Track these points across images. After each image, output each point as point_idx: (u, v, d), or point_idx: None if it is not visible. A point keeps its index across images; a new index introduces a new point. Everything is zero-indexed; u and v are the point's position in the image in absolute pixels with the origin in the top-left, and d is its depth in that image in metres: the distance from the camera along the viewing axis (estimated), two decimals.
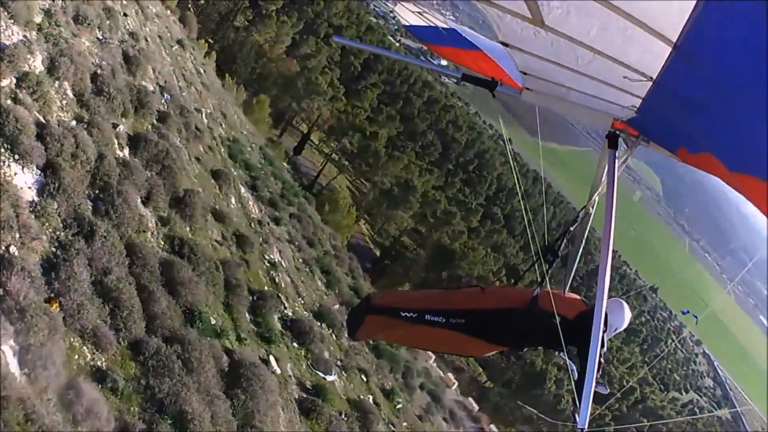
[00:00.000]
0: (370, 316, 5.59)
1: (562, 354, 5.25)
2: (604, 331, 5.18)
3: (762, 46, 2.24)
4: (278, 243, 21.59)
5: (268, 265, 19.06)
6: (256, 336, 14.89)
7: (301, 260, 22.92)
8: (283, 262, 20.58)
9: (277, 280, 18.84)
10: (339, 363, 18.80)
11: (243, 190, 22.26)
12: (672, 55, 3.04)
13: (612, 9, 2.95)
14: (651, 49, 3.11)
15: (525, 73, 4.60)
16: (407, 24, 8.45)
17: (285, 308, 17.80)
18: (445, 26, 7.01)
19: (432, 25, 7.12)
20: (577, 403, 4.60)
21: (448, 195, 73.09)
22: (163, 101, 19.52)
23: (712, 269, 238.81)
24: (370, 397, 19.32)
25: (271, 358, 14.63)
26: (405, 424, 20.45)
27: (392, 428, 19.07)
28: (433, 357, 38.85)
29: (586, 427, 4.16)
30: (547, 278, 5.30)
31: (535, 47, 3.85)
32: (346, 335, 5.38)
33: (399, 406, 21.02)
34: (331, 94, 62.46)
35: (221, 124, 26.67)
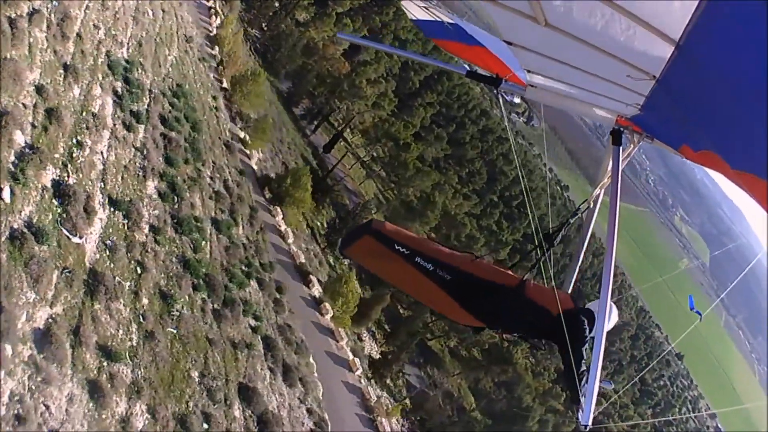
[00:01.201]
0: (367, 237, 5.53)
1: (570, 356, 5.14)
2: (588, 330, 5.13)
3: (763, 45, 2.23)
4: (112, 140, 22.46)
5: (74, 143, 19.85)
6: (5, 171, 15.62)
7: (139, 166, 23.61)
8: (102, 153, 21.42)
9: (75, 155, 19.50)
10: (109, 242, 19.29)
11: (100, 91, 23.16)
12: (675, 54, 3.05)
13: (614, 8, 2.98)
14: (654, 48, 3.11)
15: (529, 71, 4.57)
16: (413, 18, 8.38)
17: (67, 176, 18.43)
18: (450, 21, 6.94)
19: (437, 19, 7.06)
20: (581, 400, 4.59)
21: (482, 224, 72.31)
22: (47, 4, 21.02)
23: (742, 346, 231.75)
24: (129, 283, 19.30)
25: (7, 191, 15.34)
26: (172, 330, 20.41)
27: (142, 320, 19.20)
28: (346, 339, 38.12)
29: (590, 424, 4.12)
30: (546, 266, 5.35)
31: (538, 45, 3.86)
32: (338, 248, 5.25)
33: (175, 312, 20.91)
34: (374, 100, 62.31)
35: (127, 47, 27.57)
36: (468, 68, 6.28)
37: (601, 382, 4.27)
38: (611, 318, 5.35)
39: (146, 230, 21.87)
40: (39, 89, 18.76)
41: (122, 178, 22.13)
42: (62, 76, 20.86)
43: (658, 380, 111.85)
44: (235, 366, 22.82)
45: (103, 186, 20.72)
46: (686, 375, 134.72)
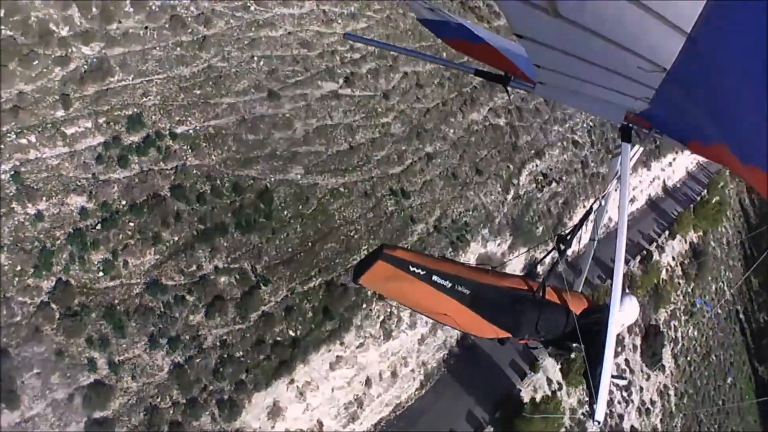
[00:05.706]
0: (381, 262, 5.37)
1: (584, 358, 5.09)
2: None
3: None
4: None
5: None
6: None
7: None
8: None
9: None
10: None
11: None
12: (685, 46, 3.04)
13: None
14: (665, 40, 3.10)
15: (538, 66, 4.58)
16: (420, 18, 8.39)
17: None
18: (455, 21, 6.97)
19: (443, 19, 7.06)
20: (594, 397, 4.57)
21: None
22: None
23: None
24: None
25: None
26: None
27: None
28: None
29: (602, 420, 4.14)
30: (560, 266, 5.29)
31: (548, 38, 3.86)
32: (351, 278, 5.16)
33: None
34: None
35: None
36: (476, 67, 6.28)
37: (613, 377, 4.28)
38: (632, 311, 5.36)
39: None
40: None
41: None
42: None
43: None
44: None
45: None
46: None
